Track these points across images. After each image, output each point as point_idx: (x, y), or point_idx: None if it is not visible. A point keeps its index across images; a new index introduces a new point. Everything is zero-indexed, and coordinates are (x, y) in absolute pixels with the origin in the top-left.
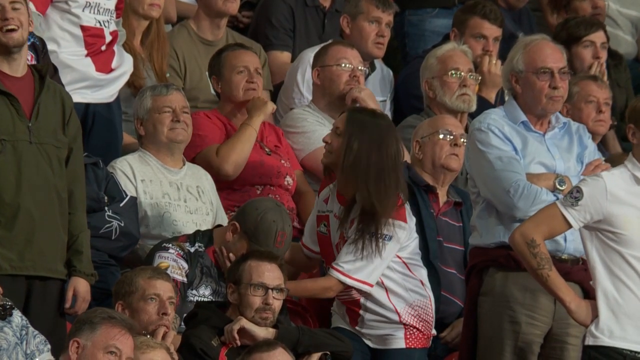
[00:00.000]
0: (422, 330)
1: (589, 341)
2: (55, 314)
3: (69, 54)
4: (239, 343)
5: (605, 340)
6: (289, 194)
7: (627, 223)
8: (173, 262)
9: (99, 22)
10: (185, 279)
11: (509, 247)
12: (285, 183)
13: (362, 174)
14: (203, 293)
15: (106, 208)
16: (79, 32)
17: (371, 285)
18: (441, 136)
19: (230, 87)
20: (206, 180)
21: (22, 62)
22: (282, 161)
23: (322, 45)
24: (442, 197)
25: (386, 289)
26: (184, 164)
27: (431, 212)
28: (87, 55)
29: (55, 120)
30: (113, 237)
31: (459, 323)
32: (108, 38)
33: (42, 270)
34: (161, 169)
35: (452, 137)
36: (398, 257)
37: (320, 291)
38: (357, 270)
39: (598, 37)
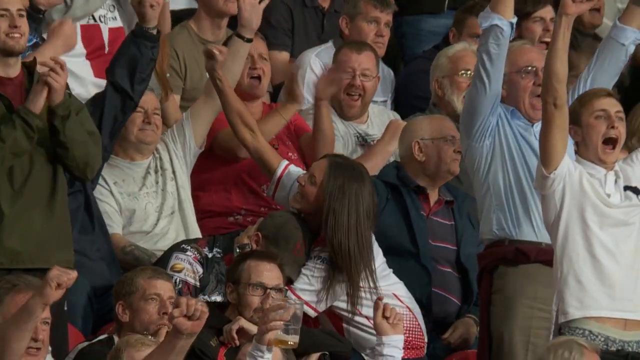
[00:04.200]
0: (409, 340)
1: None
2: (55, 307)
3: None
4: (237, 343)
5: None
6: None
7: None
8: (188, 265)
9: (93, 17)
10: (197, 283)
11: (518, 242)
12: None
13: (343, 234)
14: (215, 300)
15: None
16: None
17: (317, 312)
18: (449, 142)
19: None
20: (161, 146)
21: (18, 65)
22: (290, 154)
23: (322, 45)
24: (433, 197)
25: (359, 313)
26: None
27: (421, 214)
28: (86, 58)
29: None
30: None
31: (460, 324)
32: (107, 36)
33: (39, 262)
34: (130, 166)
35: (454, 142)
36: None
37: None
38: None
39: (547, 12)
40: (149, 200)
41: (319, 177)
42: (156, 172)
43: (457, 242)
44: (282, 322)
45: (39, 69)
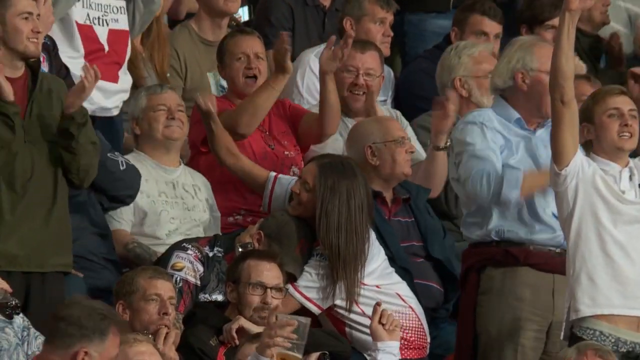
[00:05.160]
0: (412, 340)
1: None
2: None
3: (63, 54)
4: (237, 342)
5: None
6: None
7: None
8: (189, 264)
9: (89, 18)
10: (198, 282)
11: (506, 243)
12: (291, 173)
13: (334, 234)
14: (215, 299)
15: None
16: (73, 29)
17: (321, 309)
18: (400, 144)
19: (232, 75)
20: (200, 180)
21: (23, 65)
22: (286, 152)
23: (322, 45)
24: (390, 198)
25: (362, 312)
26: (180, 164)
27: (384, 219)
28: (84, 59)
29: (52, 115)
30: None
31: None
32: (104, 39)
33: (37, 266)
34: (156, 168)
35: (404, 142)
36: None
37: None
38: (309, 289)
39: None
40: (164, 209)
41: (311, 182)
42: (185, 190)
43: (421, 237)
44: (287, 340)
45: (79, 71)
